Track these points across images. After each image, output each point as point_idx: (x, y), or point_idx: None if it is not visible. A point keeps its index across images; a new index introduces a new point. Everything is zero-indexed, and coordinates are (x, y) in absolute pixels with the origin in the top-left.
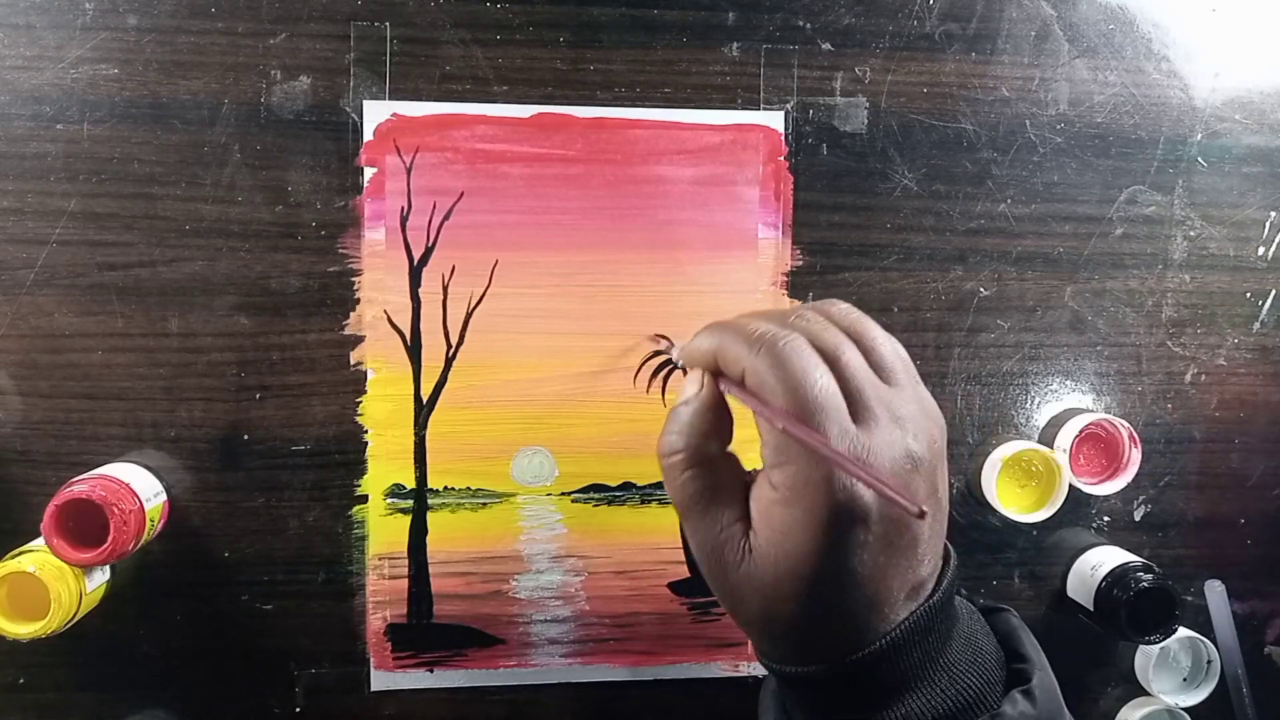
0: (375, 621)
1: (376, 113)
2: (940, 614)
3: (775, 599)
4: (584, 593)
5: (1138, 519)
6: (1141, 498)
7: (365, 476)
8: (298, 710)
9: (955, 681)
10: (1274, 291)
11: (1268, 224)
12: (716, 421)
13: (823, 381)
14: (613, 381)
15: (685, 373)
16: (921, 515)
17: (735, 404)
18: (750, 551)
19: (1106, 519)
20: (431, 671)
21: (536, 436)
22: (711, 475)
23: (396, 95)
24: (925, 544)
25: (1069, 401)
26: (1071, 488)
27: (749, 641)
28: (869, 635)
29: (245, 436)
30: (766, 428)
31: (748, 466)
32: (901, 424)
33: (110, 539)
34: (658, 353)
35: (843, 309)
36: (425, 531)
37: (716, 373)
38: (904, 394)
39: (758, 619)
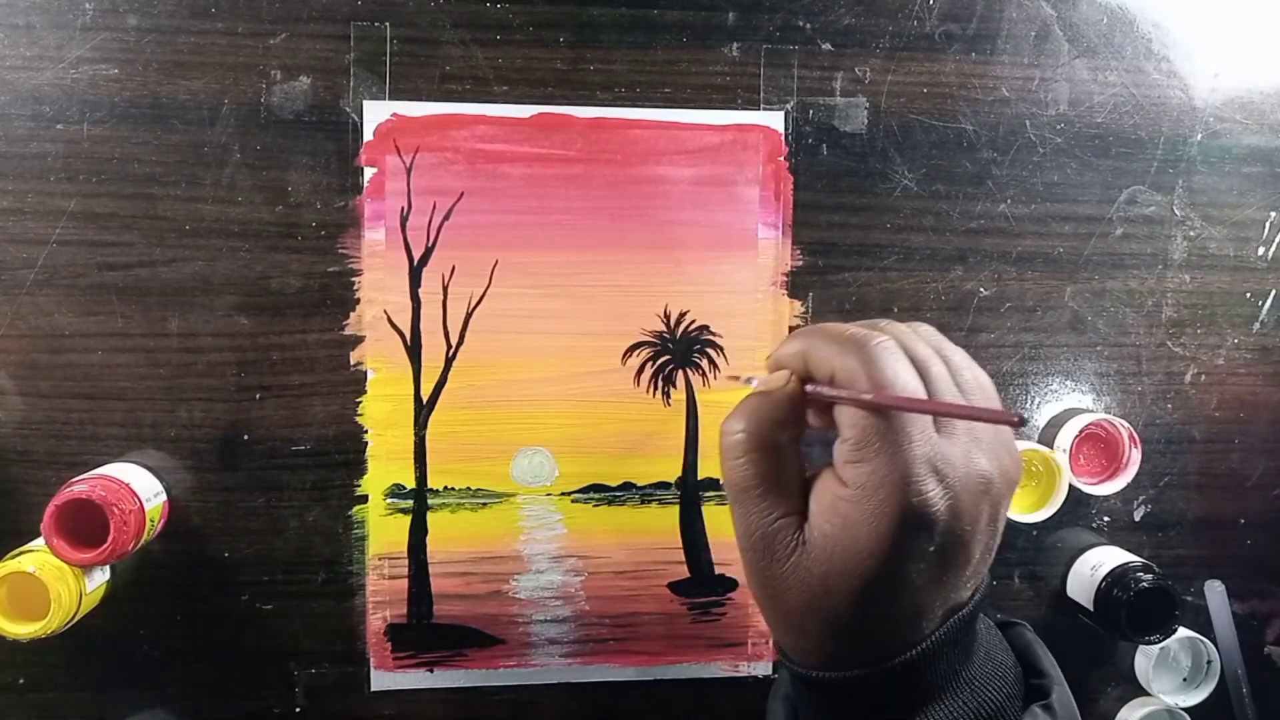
0: (375, 621)
1: (376, 113)
2: (968, 627)
3: (821, 594)
4: (584, 593)
5: (1138, 519)
6: (1141, 498)
7: (365, 476)
8: (298, 710)
9: (977, 695)
10: (1274, 291)
11: (1268, 224)
12: (790, 413)
13: (913, 384)
14: (613, 381)
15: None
16: (1022, 422)
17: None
18: (803, 544)
19: (1106, 519)
20: (431, 671)
21: (536, 436)
22: (774, 462)
23: (396, 95)
24: (975, 565)
25: (1069, 401)
26: (1071, 488)
27: (769, 640)
28: (901, 645)
29: (245, 436)
30: (849, 423)
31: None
32: (979, 444)
33: (110, 539)
34: (653, 349)
35: (927, 330)
36: (425, 531)
37: (803, 376)
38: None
39: (795, 614)
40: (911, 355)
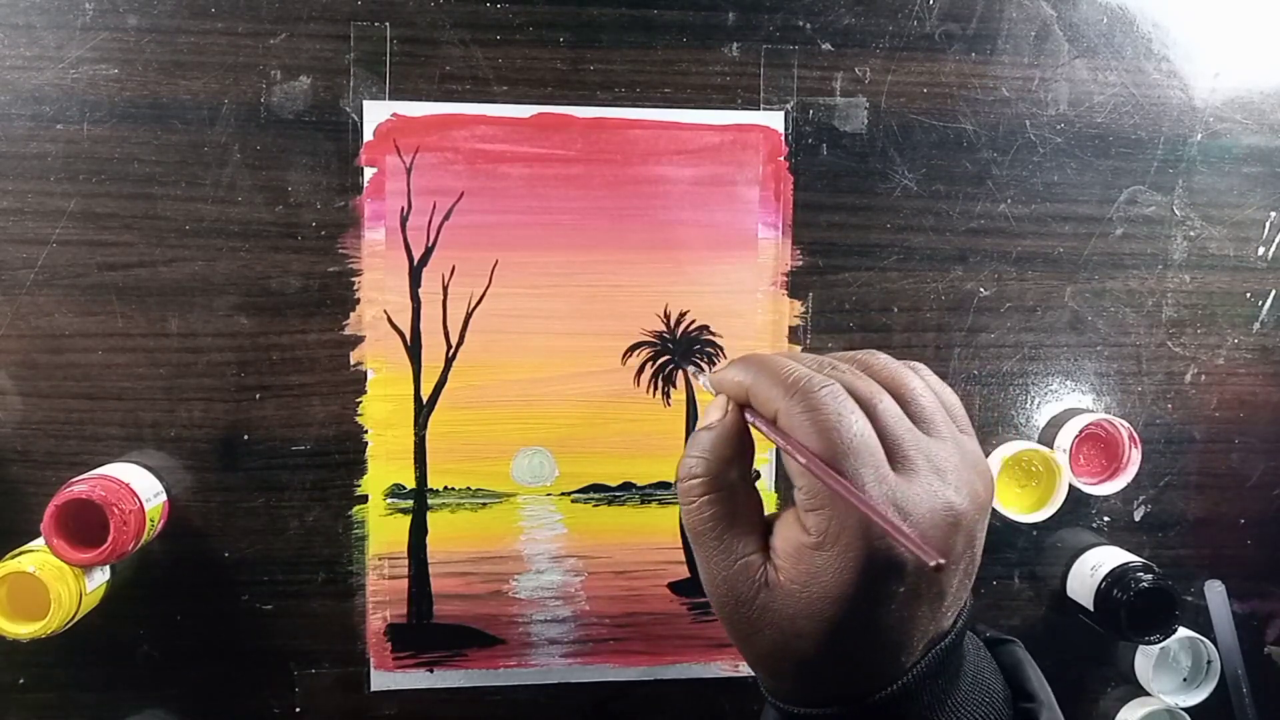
0: (375, 621)
1: (376, 113)
2: (951, 656)
3: (792, 636)
4: (584, 593)
5: (1138, 519)
6: (1141, 498)
7: (365, 476)
8: (298, 710)
9: None
10: (1274, 291)
11: (1268, 224)
12: (739, 448)
13: (858, 426)
14: (613, 381)
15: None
16: (939, 569)
17: (757, 434)
18: (768, 585)
19: (1106, 519)
20: (431, 671)
21: (536, 436)
22: (730, 502)
23: (396, 95)
24: (952, 596)
25: (1069, 401)
26: (1071, 488)
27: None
28: (882, 680)
29: (245, 436)
30: (799, 472)
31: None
32: (942, 474)
33: (110, 539)
34: (653, 348)
35: (881, 361)
36: (425, 531)
37: (744, 404)
38: (945, 445)
39: (768, 655)
40: (857, 396)
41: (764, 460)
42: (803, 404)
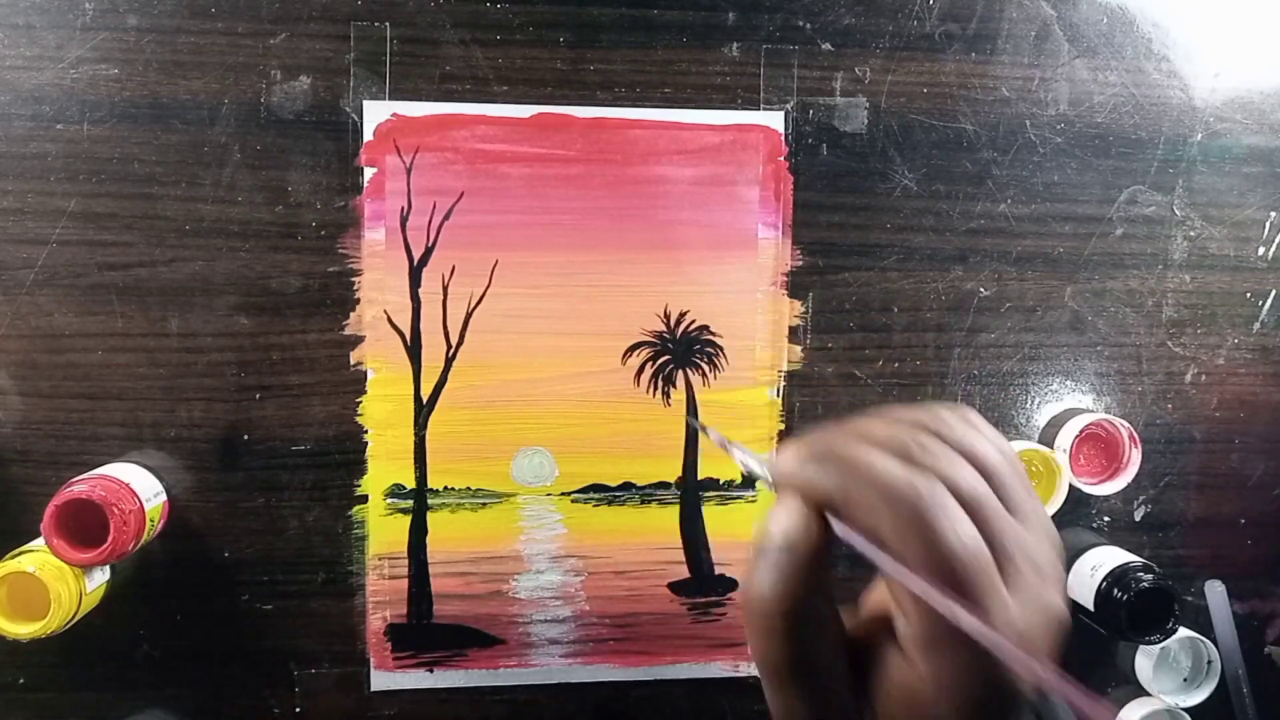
0: (375, 621)
1: (376, 113)
2: None
3: None
4: (584, 593)
5: (1138, 519)
6: (1141, 498)
7: (365, 476)
8: (298, 710)
9: None
10: (1274, 291)
11: (1268, 224)
12: (821, 572)
13: (974, 545)
14: (613, 381)
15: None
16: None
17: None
18: None
19: (1106, 519)
20: (431, 671)
21: (536, 436)
22: (815, 635)
23: (396, 95)
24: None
25: (1069, 401)
26: (1071, 488)
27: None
28: None
29: (245, 436)
30: (913, 610)
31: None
32: (1043, 574)
33: (110, 539)
34: (653, 349)
35: (952, 422)
36: (425, 531)
37: (825, 509)
38: (1036, 532)
39: None
40: (957, 492)
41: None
42: (909, 517)
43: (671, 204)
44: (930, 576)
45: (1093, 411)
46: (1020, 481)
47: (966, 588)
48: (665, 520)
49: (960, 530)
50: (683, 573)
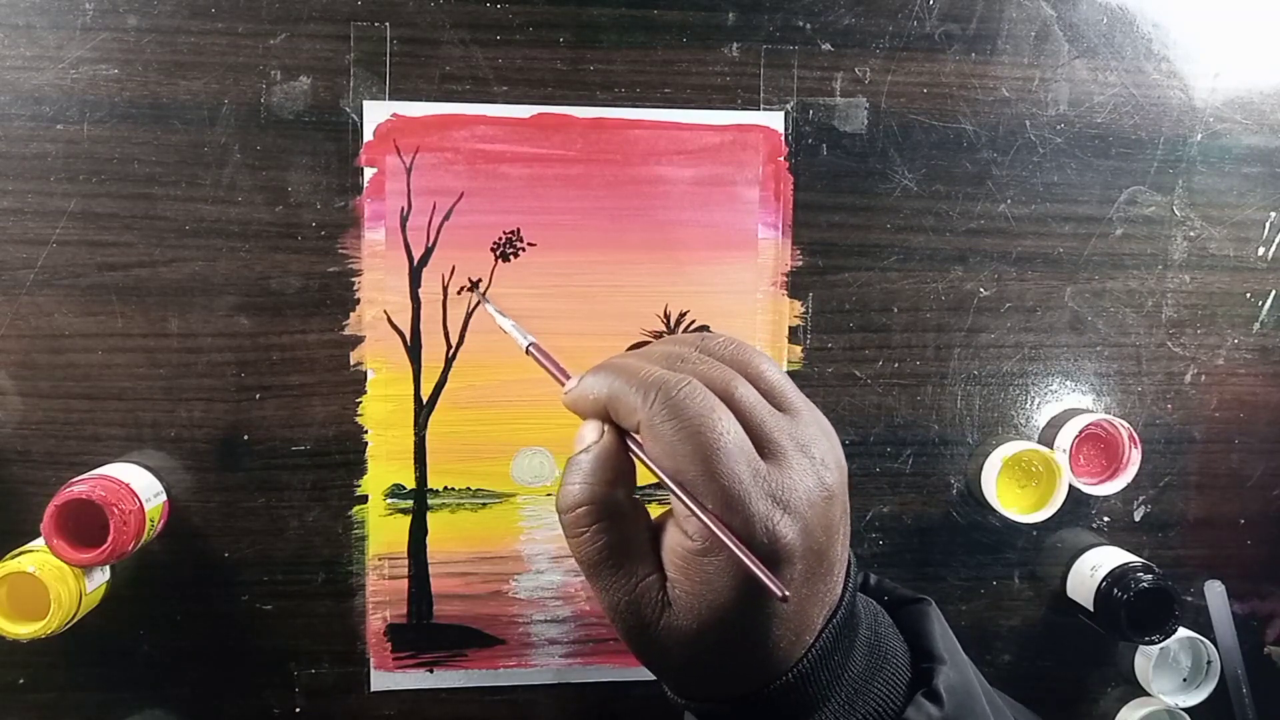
0: (375, 621)
1: (376, 113)
2: (844, 630)
3: (700, 648)
4: (584, 593)
5: (1138, 519)
6: (1141, 498)
7: (365, 477)
8: (298, 710)
9: (859, 693)
10: (1274, 291)
11: (1268, 224)
12: (620, 466)
13: (724, 423)
14: None
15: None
16: (785, 599)
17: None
18: (669, 604)
19: (1106, 519)
20: (431, 672)
21: (536, 436)
22: (620, 528)
23: (396, 95)
24: (839, 563)
25: (1069, 401)
26: (1071, 488)
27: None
28: (787, 663)
29: (245, 436)
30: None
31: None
32: (809, 453)
33: (110, 539)
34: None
35: (721, 341)
36: (425, 532)
37: (610, 420)
38: (803, 420)
39: (678, 667)
40: (713, 386)
41: None
42: (665, 409)
43: (671, 204)
44: (689, 455)
45: (1093, 412)
46: (788, 385)
47: (718, 463)
48: None
49: (710, 415)
50: None
